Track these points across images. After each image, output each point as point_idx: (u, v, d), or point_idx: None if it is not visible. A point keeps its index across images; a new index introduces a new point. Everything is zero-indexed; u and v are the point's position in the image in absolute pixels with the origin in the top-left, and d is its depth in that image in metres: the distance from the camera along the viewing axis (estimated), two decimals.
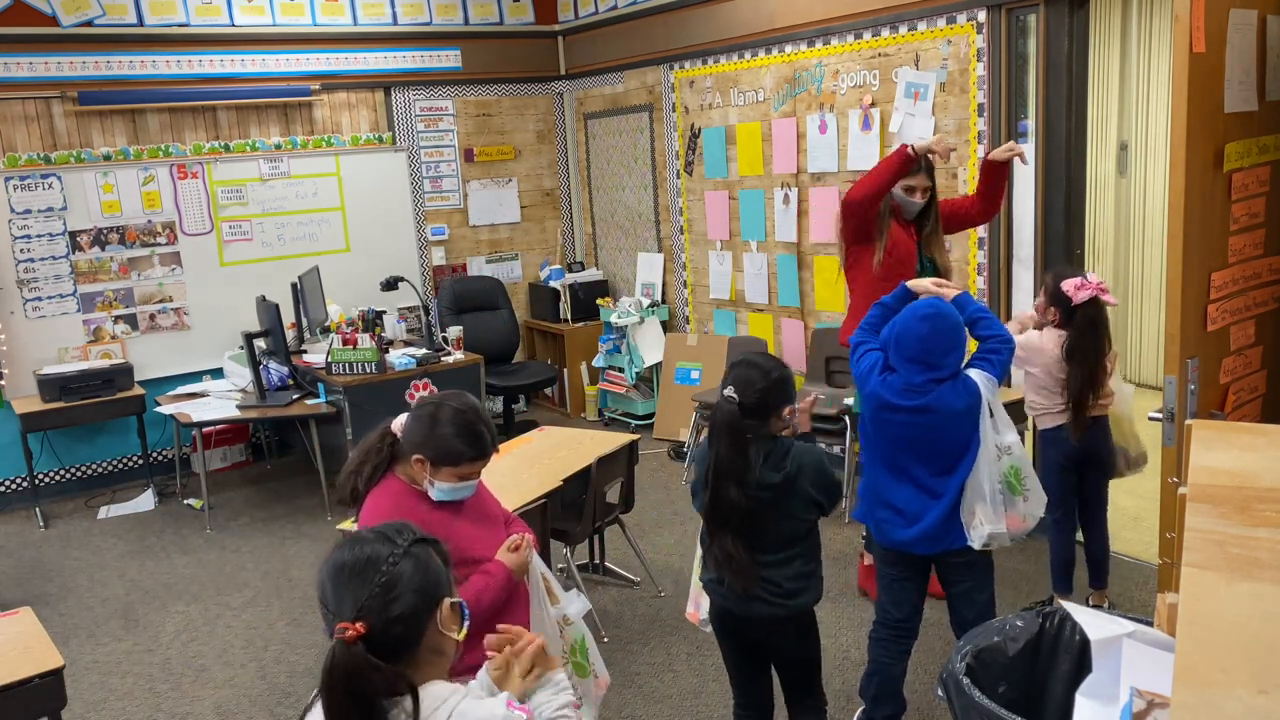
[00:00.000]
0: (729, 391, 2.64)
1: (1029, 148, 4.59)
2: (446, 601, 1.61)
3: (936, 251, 4.02)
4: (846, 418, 4.96)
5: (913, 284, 3.23)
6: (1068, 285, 3.69)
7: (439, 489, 2.43)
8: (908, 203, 3.97)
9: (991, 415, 2.95)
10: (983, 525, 2.96)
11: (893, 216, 4.01)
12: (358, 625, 1.50)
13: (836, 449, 5.67)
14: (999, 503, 2.96)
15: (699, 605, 3.04)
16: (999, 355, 3.02)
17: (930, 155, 3.88)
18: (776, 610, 2.73)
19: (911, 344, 2.95)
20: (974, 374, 2.97)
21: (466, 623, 1.64)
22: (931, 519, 3.01)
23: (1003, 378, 3.07)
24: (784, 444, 2.69)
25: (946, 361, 2.95)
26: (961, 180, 4.88)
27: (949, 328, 2.96)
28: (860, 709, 3.35)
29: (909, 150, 3.82)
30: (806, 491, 2.67)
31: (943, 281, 3.25)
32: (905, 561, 3.15)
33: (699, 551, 2.91)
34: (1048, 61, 4.48)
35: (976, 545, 2.99)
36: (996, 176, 4.03)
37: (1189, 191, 2.56)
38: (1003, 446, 2.97)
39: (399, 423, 2.45)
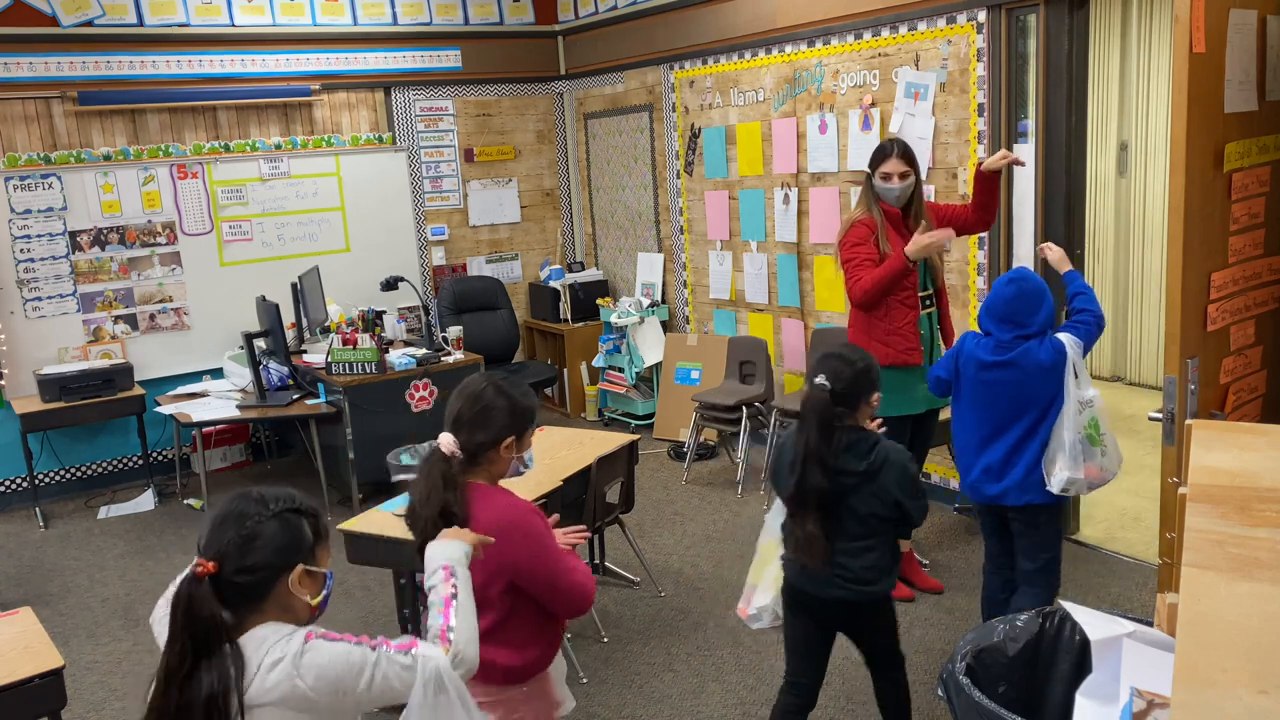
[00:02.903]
0: (820, 380, 2.77)
1: (1029, 148, 4.59)
2: (300, 567, 1.76)
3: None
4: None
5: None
6: None
7: (529, 457, 2.41)
8: (886, 190, 4.03)
9: (1076, 375, 3.22)
10: (1062, 472, 3.21)
11: (889, 224, 4.04)
12: (209, 564, 1.69)
13: None
14: (1079, 453, 3.21)
15: (750, 601, 3.14)
16: (1088, 326, 3.31)
17: (933, 251, 3.98)
18: (848, 594, 2.82)
19: (1000, 305, 3.27)
20: (1062, 336, 3.25)
21: (325, 593, 1.83)
22: (1019, 472, 3.30)
23: (1088, 347, 3.32)
24: (871, 437, 2.80)
25: (1032, 321, 3.24)
26: (961, 180, 4.88)
27: (1033, 290, 3.26)
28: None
29: (906, 261, 3.91)
30: (889, 488, 2.76)
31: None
32: (995, 514, 3.50)
33: (759, 550, 3.07)
34: (1048, 61, 4.48)
35: (1055, 490, 3.24)
36: (990, 186, 4.07)
37: (1189, 191, 2.56)
38: (1084, 401, 3.22)
39: (448, 441, 2.30)
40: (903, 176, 4.01)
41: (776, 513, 2.98)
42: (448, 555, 2.01)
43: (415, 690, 1.75)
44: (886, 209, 4.06)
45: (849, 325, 4.26)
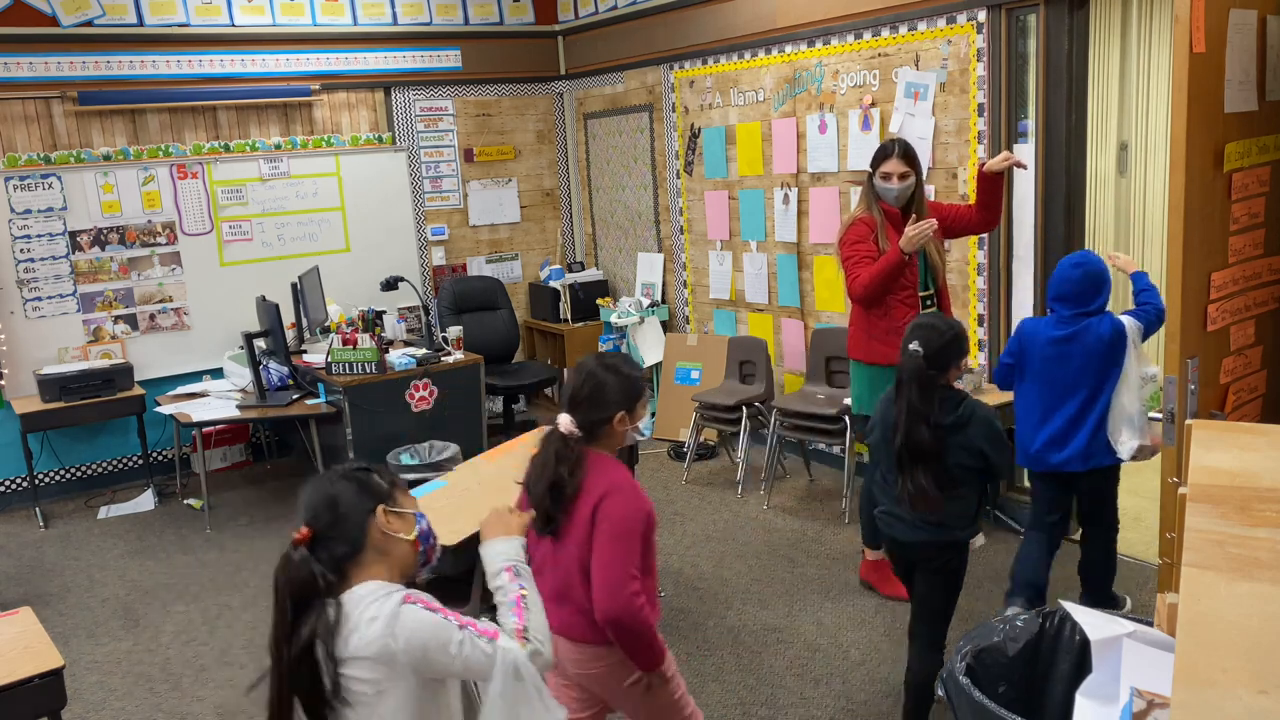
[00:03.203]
0: (914, 346, 3.04)
1: (1029, 148, 4.60)
2: (382, 507, 1.91)
3: (928, 243, 4.02)
4: (847, 418, 4.96)
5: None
6: None
7: (644, 427, 2.68)
8: (886, 189, 4.03)
9: (1136, 354, 3.57)
10: (1130, 440, 3.57)
11: (889, 223, 4.04)
12: (304, 530, 1.88)
13: (836, 449, 5.67)
14: (1144, 424, 3.57)
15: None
16: (1148, 314, 3.62)
17: (924, 240, 3.93)
18: (931, 537, 3.09)
19: (1066, 285, 3.59)
20: (1124, 318, 3.59)
21: (421, 530, 1.96)
22: (1081, 439, 3.61)
23: (1148, 332, 3.61)
24: (959, 395, 3.10)
25: (1094, 301, 3.58)
26: (961, 180, 4.88)
27: (1096, 273, 3.59)
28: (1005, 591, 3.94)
29: (902, 254, 3.90)
30: (974, 440, 3.02)
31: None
32: (1058, 481, 3.76)
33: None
34: (1048, 61, 4.48)
35: (1125, 457, 3.59)
36: (993, 186, 4.07)
37: (1189, 191, 2.57)
38: (1146, 377, 3.56)
39: (566, 421, 2.45)
40: (902, 177, 4.01)
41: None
42: (506, 556, 2.09)
43: (495, 678, 1.86)
44: (887, 209, 4.07)
45: (850, 324, 4.26)
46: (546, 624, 1.99)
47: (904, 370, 3.06)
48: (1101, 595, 3.91)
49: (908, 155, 4.02)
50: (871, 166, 4.09)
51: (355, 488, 1.92)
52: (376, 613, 1.82)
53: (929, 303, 4.12)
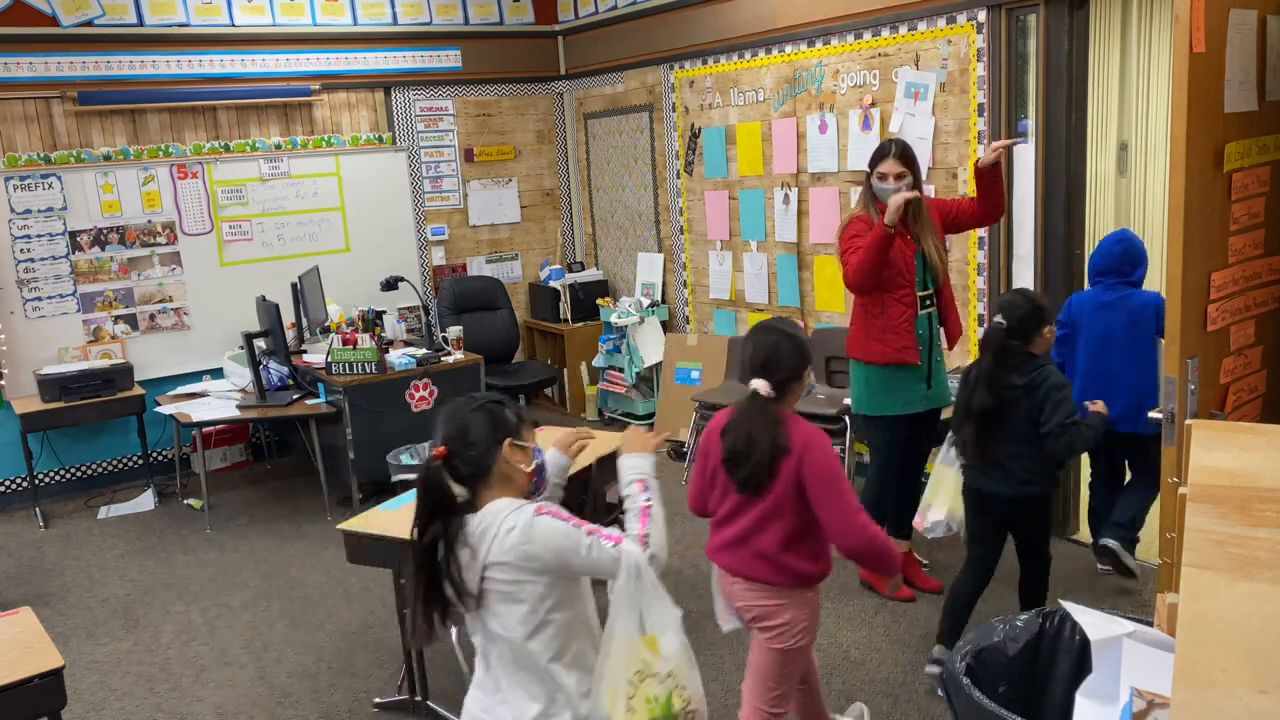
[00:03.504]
0: (997, 318, 3.39)
1: (1029, 148, 4.60)
2: (509, 440, 2.15)
3: (927, 242, 4.03)
4: (847, 418, 4.96)
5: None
6: None
7: (813, 383, 2.93)
8: (883, 190, 4.01)
9: None
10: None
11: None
12: (442, 449, 2.13)
13: (836, 449, 5.67)
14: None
15: (925, 518, 3.82)
16: None
17: (903, 211, 3.92)
18: (1008, 491, 3.43)
19: (1109, 258, 4.07)
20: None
21: (538, 463, 2.24)
22: (1127, 400, 3.92)
23: None
24: (1038, 361, 3.39)
25: (1135, 273, 4.06)
26: (961, 180, 4.88)
27: (1136, 248, 4.09)
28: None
29: (886, 228, 3.87)
30: (1040, 402, 3.30)
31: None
32: (1109, 439, 3.91)
33: (936, 473, 3.80)
34: (1048, 61, 4.48)
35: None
36: (990, 180, 4.04)
37: (1189, 191, 2.56)
38: None
39: (763, 385, 2.68)
40: (899, 177, 3.99)
41: (947, 445, 3.69)
42: (640, 469, 2.33)
43: (620, 577, 2.13)
44: (883, 208, 4.04)
45: (850, 324, 4.25)
46: (665, 533, 2.23)
47: (985, 338, 3.47)
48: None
49: (905, 156, 4.00)
50: (869, 166, 4.08)
51: (489, 420, 2.16)
52: (514, 523, 2.08)
53: (928, 303, 4.11)
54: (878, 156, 4.05)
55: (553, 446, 2.49)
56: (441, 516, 2.11)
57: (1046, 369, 3.36)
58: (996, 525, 3.56)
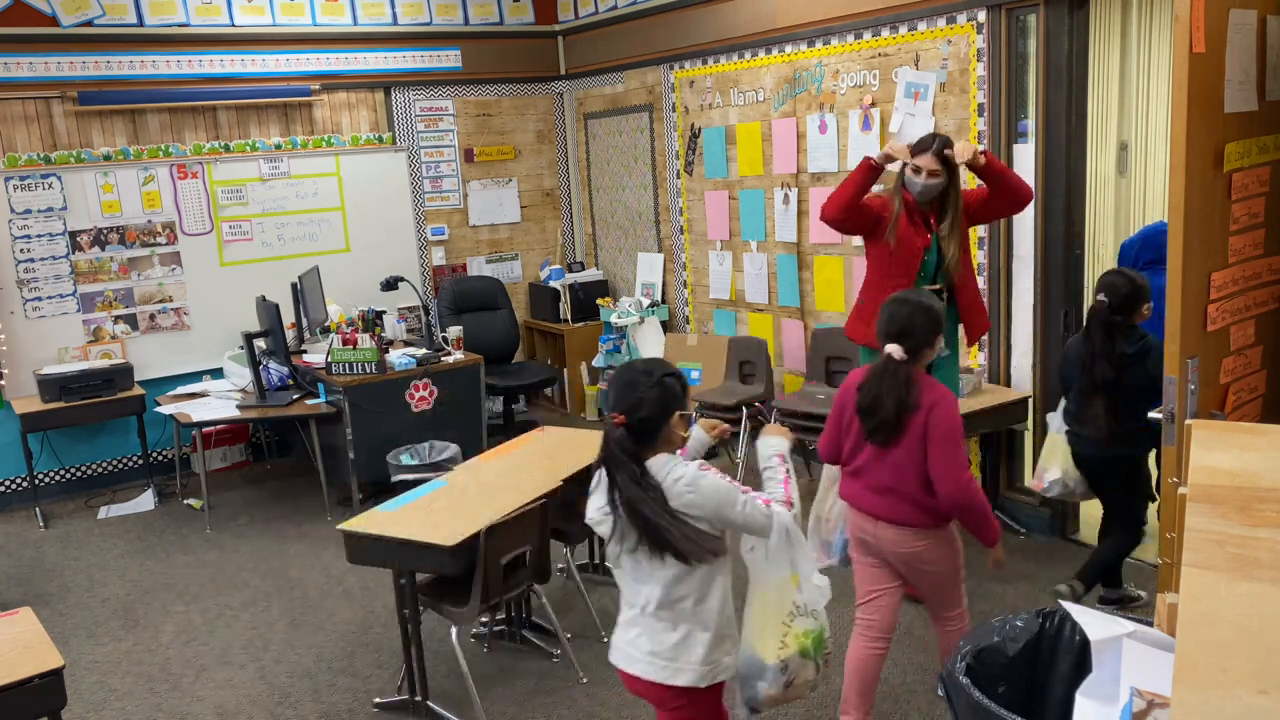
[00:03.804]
0: (1101, 296, 3.73)
1: (1029, 148, 4.60)
2: (677, 414, 2.45)
3: (949, 242, 4.00)
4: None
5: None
6: None
7: (942, 350, 3.24)
8: (911, 182, 3.98)
9: None
10: None
11: (905, 210, 4.00)
12: (621, 416, 2.42)
13: None
14: None
15: (1042, 478, 4.15)
16: None
17: (892, 160, 3.95)
18: (1112, 453, 3.84)
19: (1161, 248, 4.36)
20: None
21: (692, 428, 2.61)
22: None
23: None
24: (1140, 331, 3.73)
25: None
26: (962, 178, 4.87)
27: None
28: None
29: (870, 161, 3.90)
30: (1150, 367, 3.53)
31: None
32: None
33: (1049, 440, 4.13)
34: (1048, 61, 4.48)
35: None
36: (985, 176, 3.99)
37: (1189, 191, 2.56)
38: None
39: (896, 350, 2.97)
40: (932, 174, 3.92)
41: (1057, 413, 4.04)
42: (779, 447, 2.68)
43: (772, 533, 2.48)
44: (909, 200, 4.01)
45: (852, 312, 4.25)
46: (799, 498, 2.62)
47: (1091, 316, 3.79)
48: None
49: (943, 155, 3.93)
50: (876, 158, 4.04)
51: (664, 394, 2.44)
52: (681, 474, 2.41)
53: (938, 297, 4.06)
54: (918, 148, 3.97)
55: (697, 427, 2.78)
56: (625, 471, 2.42)
57: (1149, 337, 3.68)
58: (1122, 485, 3.95)
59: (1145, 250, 4.79)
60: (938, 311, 3.05)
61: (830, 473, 3.45)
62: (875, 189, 4.12)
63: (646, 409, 2.41)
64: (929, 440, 2.92)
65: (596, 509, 2.52)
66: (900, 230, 3.97)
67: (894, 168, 4.05)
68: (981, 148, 4.07)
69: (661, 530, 2.37)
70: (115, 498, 6.23)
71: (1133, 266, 4.55)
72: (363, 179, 6.98)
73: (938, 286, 4.07)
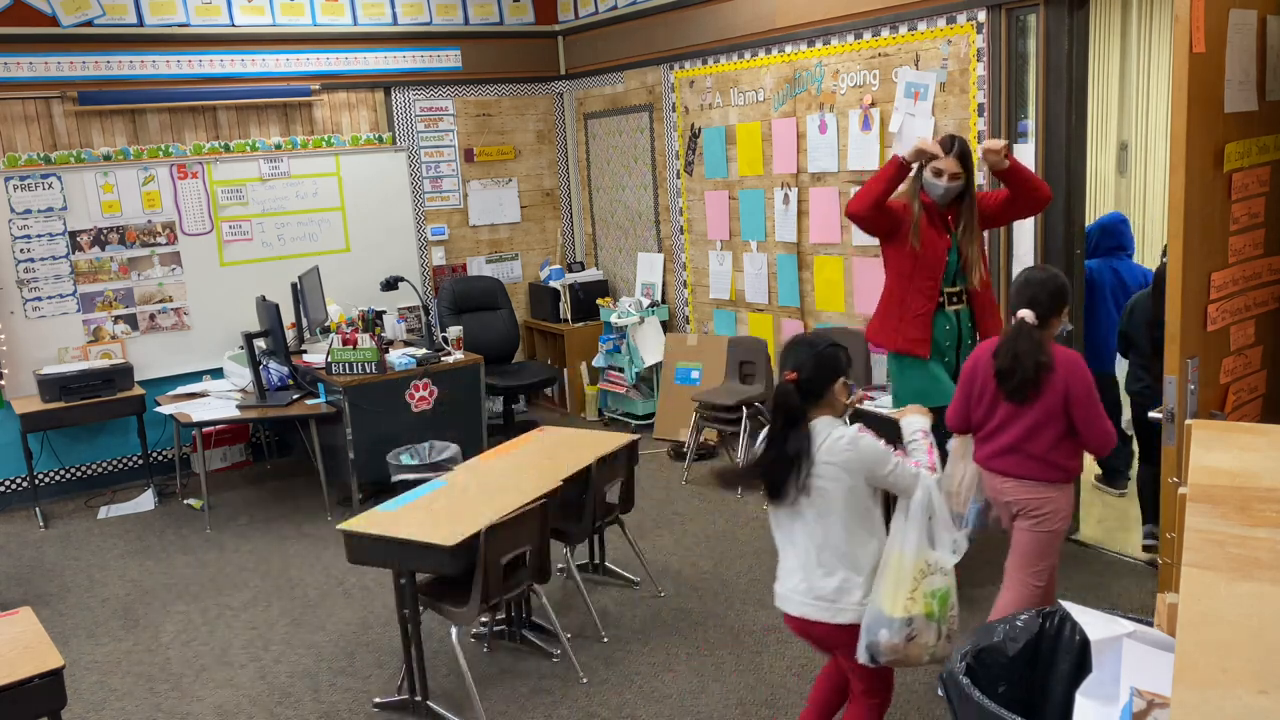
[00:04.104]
0: (1164, 258, 3.71)
1: (1029, 148, 4.59)
2: (840, 380, 2.77)
3: (968, 244, 4.02)
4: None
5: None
6: None
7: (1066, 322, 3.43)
8: (932, 185, 3.97)
9: None
10: None
11: (925, 213, 4.01)
12: (793, 374, 2.73)
13: None
14: None
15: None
16: None
17: (924, 157, 3.92)
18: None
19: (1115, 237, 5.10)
20: None
21: (852, 398, 2.85)
22: None
23: None
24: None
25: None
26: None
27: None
28: None
29: (900, 159, 3.89)
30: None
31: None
32: None
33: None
34: (1048, 61, 4.48)
35: None
36: (1005, 176, 3.97)
37: (1189, 191, 2.57)
38: None
39: (1029, 315, 3.18)
40: (953, 176, 3.93)
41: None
42: (922, 425, 2.95)
43: (917, 493, 2.73)
44: (928, 203, 4.01)
45: (875, 315, 4.24)
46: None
47: (1156, 279, 4.25)
48: None
49: (963, 155, 3.93)
50: (908, 157, 4.00)
51: (831, 362, 2.76)
52: (843, 434, 2.71)
53: (955, 300, 4.07)
54: (902, 175, 3.96)
55: (914, 413, 3.05)
56: (792, 425, 2.73)
57: None
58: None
59: (1105, 238, 5.13)
60: (1065, 286, 3.27)
61: (957, 448, 3.57)
62: (898, 196, 4.11)
63: (812, 371, 2.73)
64: (1073, 401, 3.15)
65: (759, 461, 2.85)
66: (923, 233, 3.97)
67: (938, 184, 4.01)
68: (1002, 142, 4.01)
69: (815, 480, 2.70)
70: (115, 498, 6.23)
71: (1093, 254, 4.97)
72: (363, 179, 6.98)
73: (957, 289, 4.07)
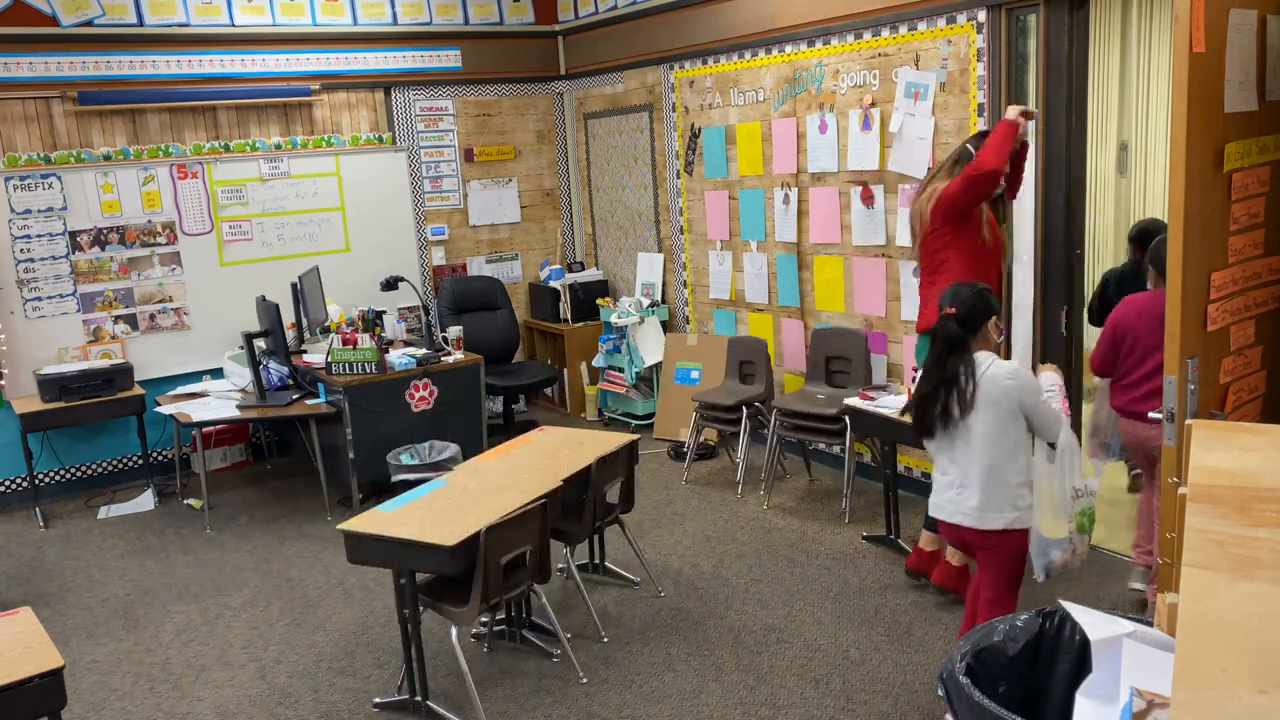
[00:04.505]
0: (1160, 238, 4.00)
1: (1029, 148, 4.59)
2: (992, 319, 3.26)
3: (1005, 233, 4.24)
4: (847, 418, 4.96)
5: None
6: None
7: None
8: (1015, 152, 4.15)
9: None
10: None
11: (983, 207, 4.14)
12: (952, 310, 3.22)
13: (836, 449, 5.68)
14: None
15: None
16: None
17: (1030, 118, 4.09)
18: None
19: None
20: None
21: (1001, 337, 3.40)
22: None
23: None
24: None
25: None
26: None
27: None
28: None
29: (1010, 120, 4.00)
30: None
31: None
32: None
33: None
34: (1048, 61, 4.48)
35: None
36: (1018, 161, 4.17)
37: (1189, 191, 2.56)
38: None
39: (1156, 277, 3.74)
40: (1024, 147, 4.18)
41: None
42: (1056, 379, 3.45)
43: (1061, 433, 3.19)
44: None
45: (928, 304, 4.23)
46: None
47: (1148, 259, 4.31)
48: None
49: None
50: (973, 146, 4.09)
51: (984, 303, 3.26)
52: (1005, 364, 3.23)
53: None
54: (979, 140, 4.12)
55: (1050, 370, 3.55)
56: (956, 353, 3.21)
57: None
58: None
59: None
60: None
61: (1103, 387, 4.05)
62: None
63: (968, 308, 3.22)
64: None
65: (920, 388, 3.32)
66: (990, 226, 4.13)
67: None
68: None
69: (977, 403, 3.17)
70: (115, 498, 6.23)
71: None
72: (363, 179, 6.98)
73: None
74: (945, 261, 4.12)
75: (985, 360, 3.20)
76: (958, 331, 3.20)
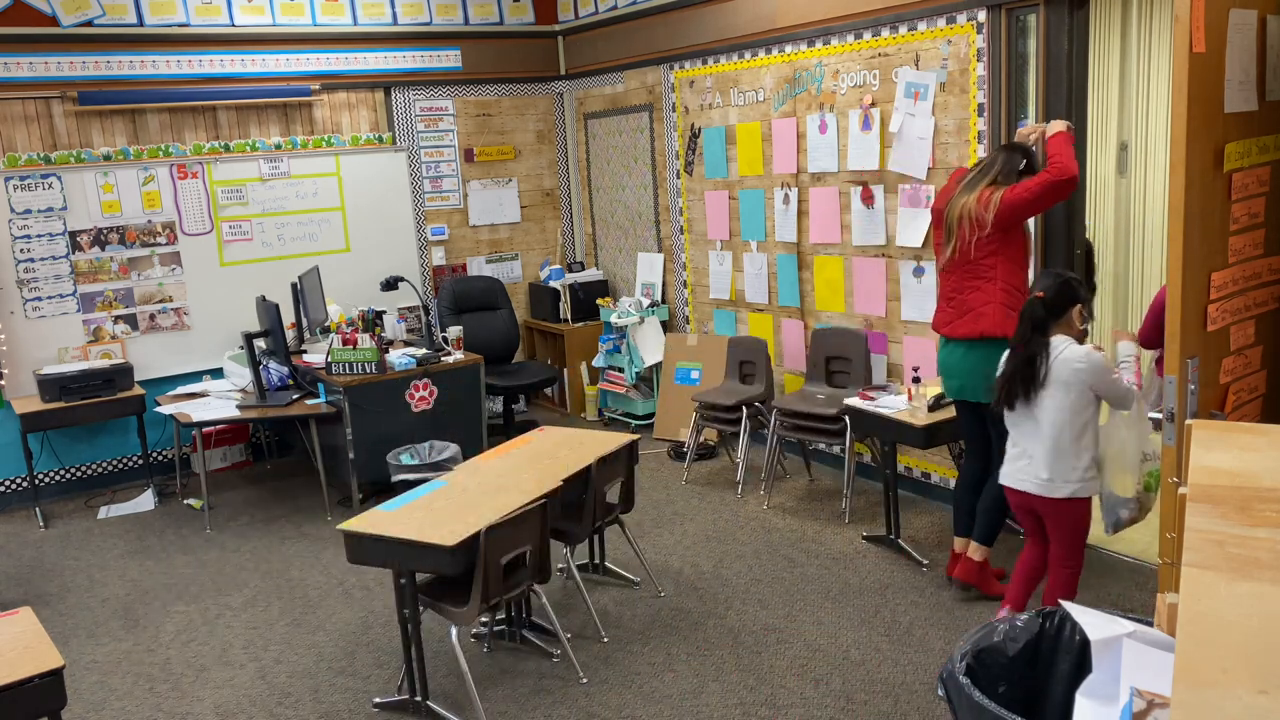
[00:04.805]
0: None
1: None
2: (1077, 306, 3.49)
3: None
4: (847, 418, 4.96)
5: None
6: None
7: None
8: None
9: None
10: None
11: None
12: (1040, 293, 3.47)
13: (836, 449, 5.68)
14: None
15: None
16: None
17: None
18: None
19: None
20: None
21: (1085, 327, 3.55)
22: None
23: None
24: None
25: None
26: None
27: None
28: None
29: (1067, 128, 3.99)
30: None
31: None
32: None
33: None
34: (1048, 61, 4.48)
35: None
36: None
37: (1189, 191, 2.56)
38: None
39: None
40: None
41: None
42: (1131, 349, 3.64)
43: (1133, 406, 3.44)
44: None
45: (994, 306, 4.07)
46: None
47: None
48: None
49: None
50: (1021, 155, 4.06)
51: (1070, 290, 3.49)
52: (1078, 348, 3.45)
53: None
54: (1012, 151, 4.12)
55: (1126, 338, 3.75)
56: (1038, 332, 3.45)
57: None
58: None
59: None
60: None
61: (1150, 357, 4.31)
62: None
63: (1055, 293, 3.45)
64: None
65: (1006, 365, 3.57)
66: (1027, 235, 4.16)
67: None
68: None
69: (1050, 382, 3.42)
70: (115, 498, 6.23)
71: None
72: (363, 179, 6.98)
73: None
74: (992, 268, 4.03)
75: (1061, 344, 3.44)
76: (1042, 314, 3.43)
